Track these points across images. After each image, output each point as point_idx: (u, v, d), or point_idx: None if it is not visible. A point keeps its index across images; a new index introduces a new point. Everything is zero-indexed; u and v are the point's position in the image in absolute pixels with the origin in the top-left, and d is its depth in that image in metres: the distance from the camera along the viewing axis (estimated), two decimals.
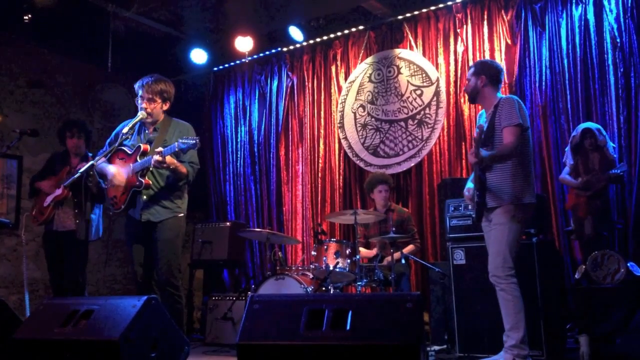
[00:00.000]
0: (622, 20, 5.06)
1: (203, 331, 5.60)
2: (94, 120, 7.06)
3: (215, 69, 7.64)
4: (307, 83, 6.99)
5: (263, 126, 7.26)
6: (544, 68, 5.48)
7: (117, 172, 3.89)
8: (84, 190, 4.02)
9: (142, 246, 3.93)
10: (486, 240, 3.72)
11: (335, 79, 6.82)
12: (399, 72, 6.36)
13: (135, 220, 3.93)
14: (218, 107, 7.71)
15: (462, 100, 5.90)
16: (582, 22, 5.30)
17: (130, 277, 6.98)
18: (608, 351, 3.61)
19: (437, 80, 6.11)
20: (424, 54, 6.25)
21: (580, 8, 5.32)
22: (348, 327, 2.41)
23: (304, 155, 6.94)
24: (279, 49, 7.11)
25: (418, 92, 6.23)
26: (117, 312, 2.80)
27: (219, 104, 7.70)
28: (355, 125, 6.61)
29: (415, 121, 6.22)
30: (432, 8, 6.14)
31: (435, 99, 6.12)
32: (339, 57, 6.81)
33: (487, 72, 3.79)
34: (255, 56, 7.11)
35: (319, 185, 6.74)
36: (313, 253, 5.04)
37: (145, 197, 3.88)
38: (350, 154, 6.59)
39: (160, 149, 3.71)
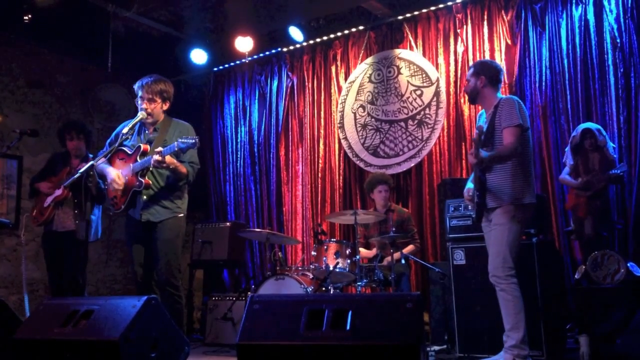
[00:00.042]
0: (622, 20, 5.06)
1: (203, 331, 5.60)
2: (94, 120, 7.07)
3: (215, 69, 7.63)
4: (307, 83, 6.99)
5: (263, 126, 7.26)
6: (544, 68, 5.49)
7: (117, 175, 3.88)
8: (84, 191, 4.02)
9: (142, 246, 3.93)
10: (486, 241, 3.72)
11: (335, 79, 6.82)
12: (399, 73, 6.36)
13: (135, 221, 3.93)
14: (218, 107, 7.71)
15: (462, 101, 5.90)
16: (582, 23, 5.30)
17: (130, 277, 6.98)
18: (608, 351, 3.61)
19: (437, 80, 6.11)
20: (424, 54, 6.25)
21: (580, 8, 5.33)
22: (348, 327, 2.41)
23: (304, 156, 6.94)
24: (279, 49, 7.11)
25: (418, 92, 6.23)
26: (117, 312, 2.80)
27: (219, 104, 7.70)
28: (355, 125, 6.61)
29: (415, 121, 6.22)
30: (432, 8, 6.14)
31: (435, 99, 6.12)
32: (339, 58, 6.81)
33: (487, 72, 3.78)
34: (255, 56, 7.10)
35: (319, 185, 6.74)
36: (313, 253, 5.05)
37: (145, 197, 3.88)
38: (350, 154, 6.59)
39: (159, 148, 3.71)
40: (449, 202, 4.44)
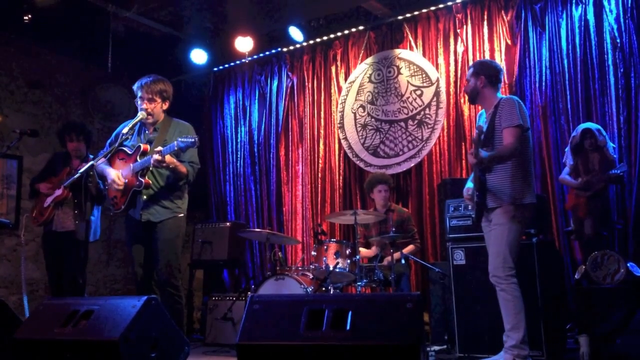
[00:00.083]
0: (622, 20, 5.06)
1: (203, 331, 5.60)
2: (94, 120, 7.07)
3: (215, 69, 7.63)
4: (307, 83, 6.99)
5: (263, 126, 7.26)
6: (544, 68, 5.49)
7: (117, 176, 3.88)
8: (84, 191, 4.02)
9: (142, 246, 3.93)
10: (486, 241, 3.72)
11: (335, 79, 6.82)
12: (399, 73, 6.36)
13: (135, 221, 3.93)
14: (218, 107, 7.71)
15: (462, 101, 5.90)
16: (582, 23, 5.30)
17: (130, 277, 6.97)
18: (608, 351, 3.61)
19: (437, 80, 6.11)
20: (424, 55, 6.25)
21: (580, 8, 5.32)
22: (348, 328, 2.41)
23: (303, 156, 6.94)
24: (279, 49, 7.11)
25: (418, 92, 6.23)
26: (117, 312, 2.80)
27: (219, 104, 7.70)
28: (355, 125, 6.61)
29: (415, 121, 6.22)
30: (432, 8, 6.13)
31: (435, 99, 6.12)
32: (339, 58, 6.81)
33: (486, 72, 3.78)
34: (255, 56, 7.10)
35: (319, 185, 6.74)
36: (313, 253, 5.05)
37: (145, 197, 3.88)
38: (350, 155, 6.59)
39: (159, 148, 3.71)
40: (449, 202, 4.44)
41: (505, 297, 3.50)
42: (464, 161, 5.82)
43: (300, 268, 5.18)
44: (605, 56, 5.14)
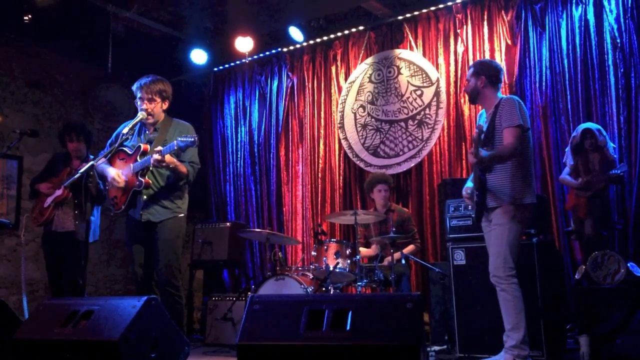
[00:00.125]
0: (622, 20, 5.06)
1: (203, 331, 5.60)
2: (94, 120, 7.07)
3: (216, 69, 7.63)
4: (307, 83, 6.99)
5: (263, 126, 7.26)
6: (544, 68, 5.48)
7: (117, 174, 3.89)
8: (84, 191, 4.02)
9: (142, 246, 3.94)
10: (486, 241, 3.71)
11: (335, 80, 6.81)
12: (399, 73, 6.36)
13: (135, 221, 3.93)
14: (218, 107, 7.71)
15: (462, 101, 5.90)
16: (582, 23, 5.30)
17: (130, 277, 6.98)
18: (608, 351, 3.60)
19: (437, 80, 6.11)
20: (424, 55, 6.25)
21: (580, 8, 5.32)
22: (348, 328, 2.41)
23: (304, 156, 6.94)
24: (279, 49, 7.11)
25: (418, 92, 6.23)
26: (117, 312, 2.80)
27: (219, 104, 7.70)
28: (356, 125, 6.61)
29: (416, 121, 6.22)
30: (432, 8, 6.13)
31: (435, 99, 6.12)
32: (339, 58, 6.81)
33: (486, 72, 3.78)
34: (255, 56, 7.11)
35: (319, 185, 6.74)
36: (313, 253, 5.04)
37: (145, 197, 3.88)
38: (350, 155, 6.59)
39: (159, 148, 3.71)
40: (449, 202, 4.44)
41: (506, 297, 3.49)
42: (464, 161, 5.82)
43: (300, 268, 5.18)
44: (606, 56, 5.14)
